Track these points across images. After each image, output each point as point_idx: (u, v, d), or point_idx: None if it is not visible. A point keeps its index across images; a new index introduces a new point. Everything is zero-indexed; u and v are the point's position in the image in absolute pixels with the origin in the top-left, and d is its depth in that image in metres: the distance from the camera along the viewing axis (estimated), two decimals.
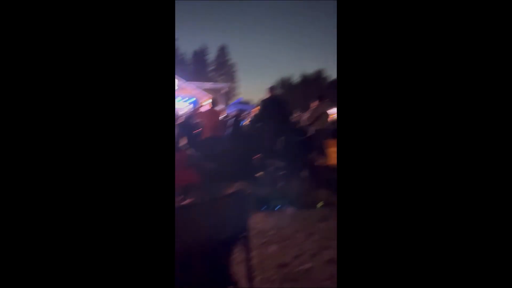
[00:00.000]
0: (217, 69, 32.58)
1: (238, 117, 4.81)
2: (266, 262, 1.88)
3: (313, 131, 4.25)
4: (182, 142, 3.44)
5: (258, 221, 2.53)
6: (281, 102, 4.20)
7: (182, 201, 3.09)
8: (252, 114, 7.32)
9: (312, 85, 30.72)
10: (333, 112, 6.45)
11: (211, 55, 33.23)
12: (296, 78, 36.62)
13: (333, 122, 5.12)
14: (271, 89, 4.18)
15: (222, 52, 33.38)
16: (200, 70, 29.68)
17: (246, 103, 15.18)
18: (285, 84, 35.60)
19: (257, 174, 3.90)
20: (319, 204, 3.04)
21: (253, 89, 54.63)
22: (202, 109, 4.85)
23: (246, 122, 6.20)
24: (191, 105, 12.18)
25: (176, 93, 14.46)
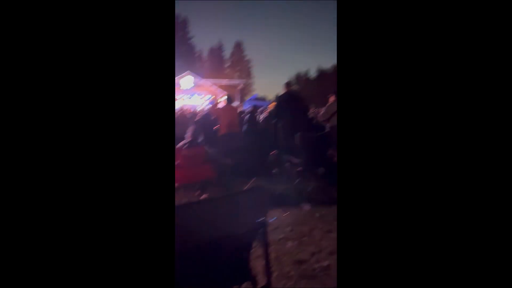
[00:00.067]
0: (233, 65, 32.70)
1: (254, 113, 4.81)
2: (283, 258, 1.88)
3: (329, 127, 4.17)
4: (200, 138, 3.48)
5: (274, 217, 2.53)
6: (297, 97, 4.15)
7: (199, 196, 3.15)
8: (268, 110, 7.29)
9: (329, 79, 30.09)
10: None
11: (227, 52, 33.44)
12: (313, 73, 36.08)
13: None
14: (287, 84, 4.14)
15: (238, 48, 33.44)
16: (216, 66, 29.91)
17: (261, 99, 15.16)
18: (301, 79, 35.15)
19: (273, 170, 3.90)
20: None
21: (268, 85, 54.43)
22: (219, 106, 4.88)
23: (262, 118, 6.19)
24: (208, 102, 12.30)
25: (193, 90, 14.71)
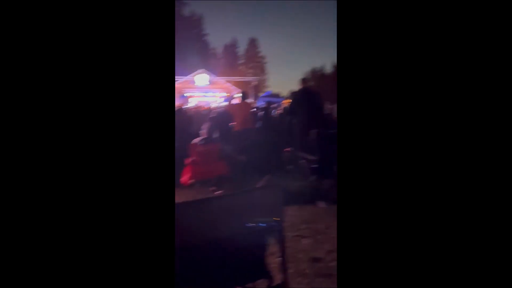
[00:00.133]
0: (247, 62, 32.69)
1: (268, 109, 4.78)
2: (298, 256, 1.87)
3: None
4: (215, 135, 3.51)
5: (289, 215, 2.51)
6: (313, 93, 4.07)
7: (214, 192, 3.18)
8: (282, 107, 7.25)
9: None
10: None
11: (242, 48, 33.44)
12: (328, 68, 35.41)
13: None
14: (303, 80, 4.07)
15: (253, 44, 33.36)
16: (231, 63, 30.02)
17: (275, 95, 15.08)
18: (316, 74, 34.58)
19: (288, 167, 3.87)
20: None
21: (282, 81, 53.96)
22: (233, 103, 4.90)
23: (276, 114, 6.15)
24: (222, 99, 12.39)
25: (208, 88, 14.86)
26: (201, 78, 14.97)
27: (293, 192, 3.05)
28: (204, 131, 3.40)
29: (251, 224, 0.96)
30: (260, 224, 0.97)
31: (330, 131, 3.41)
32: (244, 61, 32.66)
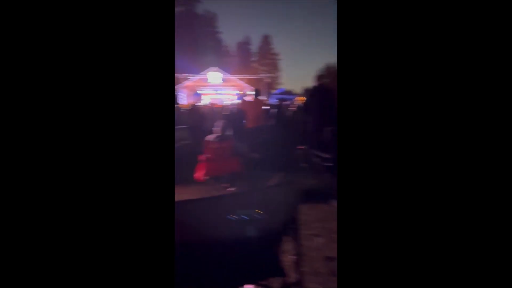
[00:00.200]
0: (260, 59, 32.58)
1: (280, 107, 4.75)
2: (312, 254, 1.85)
3: None
4: (228, 132, 3.53)
5: (302, 213, 2.49)
6: (327, 90, 4.01)
7: (227, 188, 3.20)
8: (295, 104, 7.18)
9: None
10: None
11: (255, 46, 33.35)
12: None
13: None
14: (319, 77, 4.01)
15: (266, 41, 33.20)
16: (244, 60, 30.02)
17: (288, 92, 14.98)
18: (330, 71, 34.05)
19: (302, 165, 3.83)
20: None
21: (295, 78, 53.47)
22: (246, 100, 4.90)
23: (288, 112, 6.11)
24: (235, 97, 12.42)
25: (221, 86, 14.95)
26: (214, 75, 15.08)
27: (306, 190, 3.02)
28: (217, 128, 3.42)
29: (233, 217, 0.94)
30: (243, 217, 0.95)
31: None
32: (257, 59, 32.56)
